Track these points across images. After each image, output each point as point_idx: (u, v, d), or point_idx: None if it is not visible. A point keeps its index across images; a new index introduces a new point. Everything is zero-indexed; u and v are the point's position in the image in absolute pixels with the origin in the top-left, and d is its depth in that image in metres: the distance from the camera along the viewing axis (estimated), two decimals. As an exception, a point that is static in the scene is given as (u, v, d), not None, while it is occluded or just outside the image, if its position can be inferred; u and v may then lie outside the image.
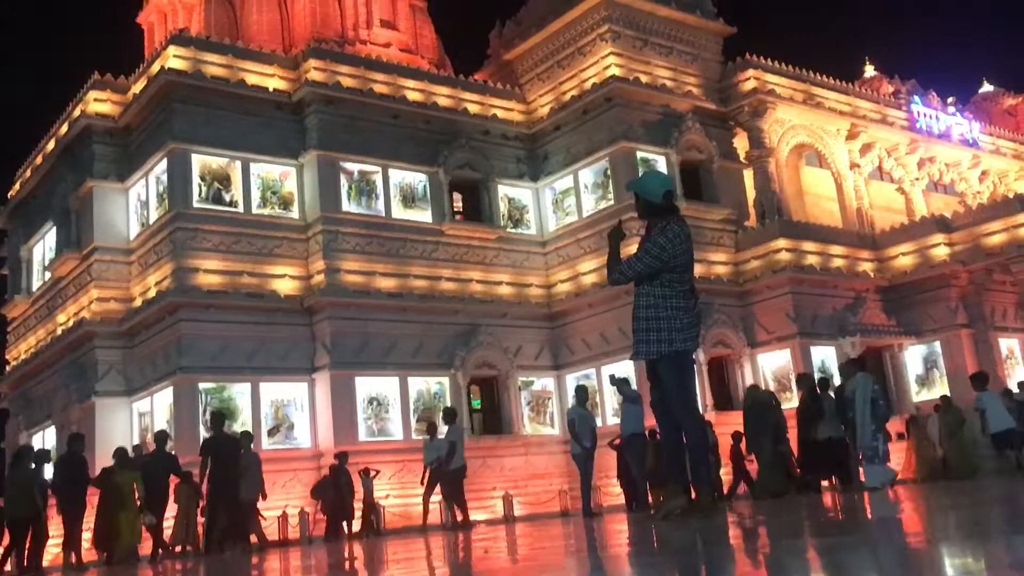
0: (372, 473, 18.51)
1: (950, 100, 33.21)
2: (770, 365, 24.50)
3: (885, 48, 70.66)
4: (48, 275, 25.32)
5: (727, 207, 25.72)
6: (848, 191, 28.90)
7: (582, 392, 15.67)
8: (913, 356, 25.78)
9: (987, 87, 41.27)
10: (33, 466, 13.67)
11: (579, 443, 14.44)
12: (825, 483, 14.34)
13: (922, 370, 25.55)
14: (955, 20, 69.80)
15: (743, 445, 16.13)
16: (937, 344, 25.41)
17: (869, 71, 37.23)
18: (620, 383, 15.35)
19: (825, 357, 24.39)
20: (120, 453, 14.91)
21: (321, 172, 22.75)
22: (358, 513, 17.87)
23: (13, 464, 13.85)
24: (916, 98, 31.57)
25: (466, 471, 16.41)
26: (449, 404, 22.92)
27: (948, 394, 21.55)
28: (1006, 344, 26.15)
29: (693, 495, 6.08)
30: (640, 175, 6.38)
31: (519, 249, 25.63)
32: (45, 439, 24.79)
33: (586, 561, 4.19)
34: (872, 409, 11.85)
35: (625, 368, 22.75)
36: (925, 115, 31.32)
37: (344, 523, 17.48)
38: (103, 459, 21.64)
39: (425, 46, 29.54)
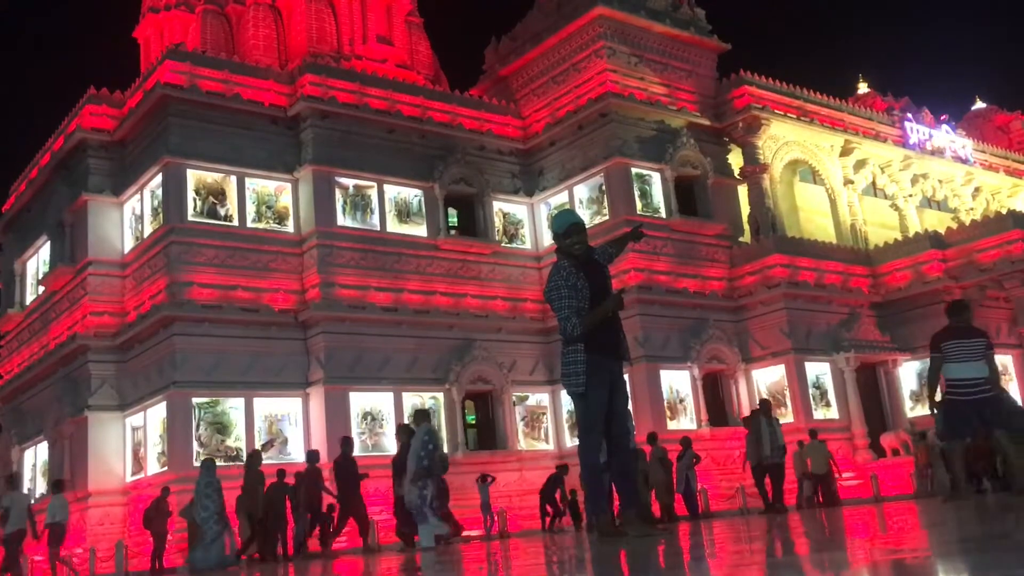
0: (489, 479, 19.83)
1: (943, 117, 33.40)
2: (765, 381, 24.52)
3: (878, 66, 71.20)
4: (41, 289, 25.26)
5: (721, 223, 25.80)
6: (842, 207, 29.01)
7: None
8: (907, 372, 25.81)
9: (980, 104, 41.52)
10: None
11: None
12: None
13: (916, 386, 25.56)
14: (948, 38, 70.32)
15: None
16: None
17: (862, 88, 37.48)
18: None
19: (820, 373, 24.43)
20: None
21: (316, 186, 22.77)
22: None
23: (248, 465, 16.05)
24: (909, 115, 31.74)
25: (25, 536, 15.44)
26: (435, 419, 22.89)
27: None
28: (1000, 361, 26.18)
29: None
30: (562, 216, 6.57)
31: (514, 264, 25.64)
32: (37, 454, 24.68)
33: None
34: (416, 465, 11.53)
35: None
36: (918, 132, 31.49)
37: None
38: (96, 474, 21.62)
39: (421, 61, 29.65)
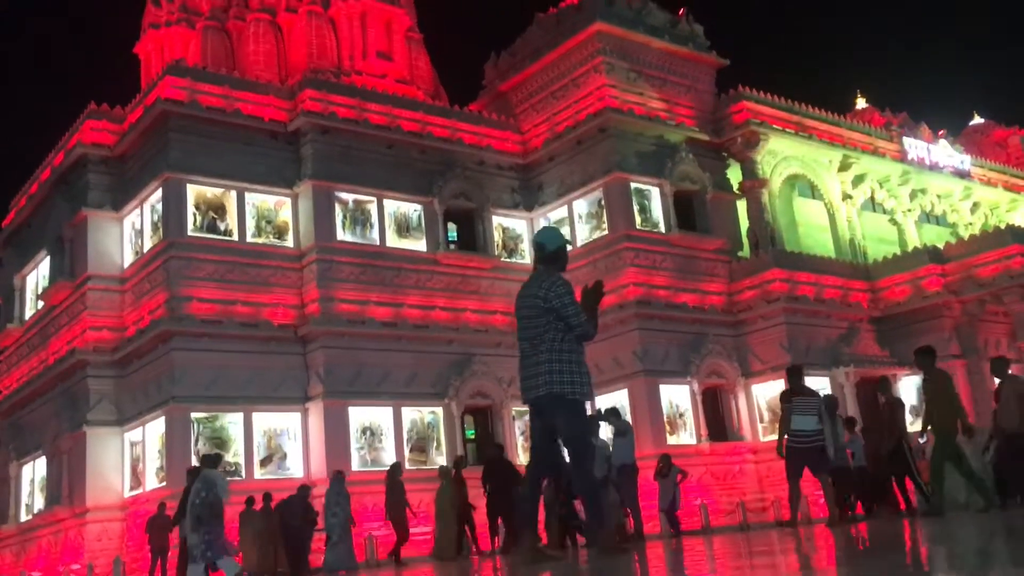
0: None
1: (941, 133, 33.49)
2: (765, 395, 24.47)
3: (877, 81, 71.43)
4: (41, 304, 25.24)
5: (721, 237, 25.82)
6: (841, 222, 29.05)
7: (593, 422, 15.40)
8: (907, 387, 25.76)
9: (978, 119, 41.66)
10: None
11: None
12: None
13: (916, 401, 25.51)
14: (946, 54, 70.60)
15: None
16: (931, 375, 25.40)
17: (861, 104, 37.60)
18: (610, 415, 15.25)
19: (820, 388, 24.32)
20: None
21: (316, 201, 22.80)
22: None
23: (391, 475, 17.25)
24: (907, 130, 31.84)
25: None
26: (443, 434, 22.86)
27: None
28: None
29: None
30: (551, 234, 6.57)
31: (513, 278, 25.57)
32: (35, 469, 24.60)
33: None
34: (190, 511, 12.24)
35: (617, 398, 22.79)
36: (916, 147, 31.58)
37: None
38: (94, 489, 21.55)
39: (420, 77, 29.74)
